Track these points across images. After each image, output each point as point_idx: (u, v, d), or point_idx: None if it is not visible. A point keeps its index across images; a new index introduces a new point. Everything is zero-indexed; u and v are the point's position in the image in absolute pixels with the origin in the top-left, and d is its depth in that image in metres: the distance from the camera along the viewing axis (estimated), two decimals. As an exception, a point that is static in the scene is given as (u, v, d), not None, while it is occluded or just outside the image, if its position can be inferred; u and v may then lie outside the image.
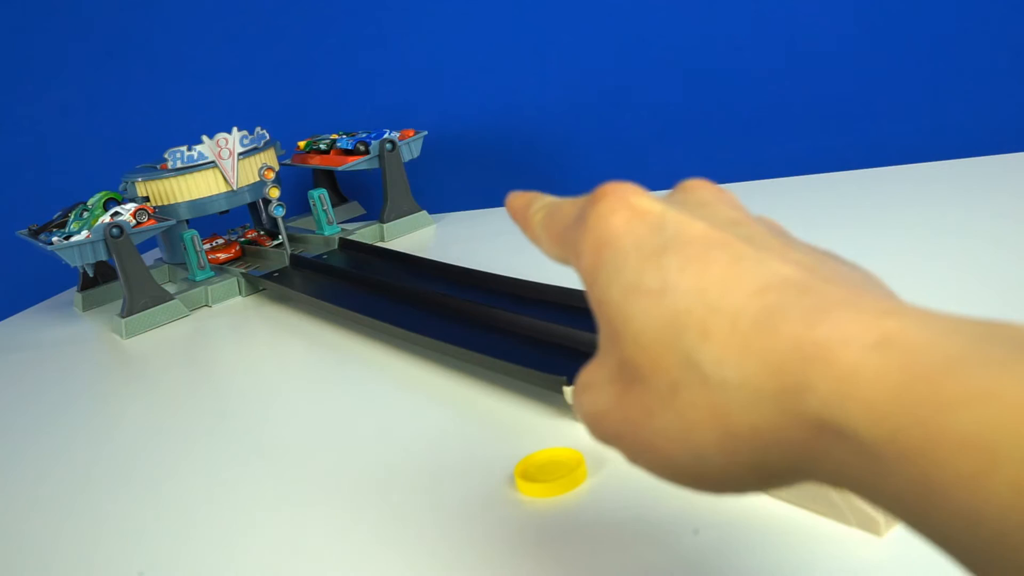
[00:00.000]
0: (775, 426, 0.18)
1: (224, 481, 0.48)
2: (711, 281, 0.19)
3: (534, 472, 0.40)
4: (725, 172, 0.92)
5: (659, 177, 0.98)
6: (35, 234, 0.84)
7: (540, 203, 0.26)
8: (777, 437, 0.18)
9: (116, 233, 0.77)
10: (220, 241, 0.93)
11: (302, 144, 1.01)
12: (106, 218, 0.78)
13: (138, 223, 0.79)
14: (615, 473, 0.40)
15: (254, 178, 0.88)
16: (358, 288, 0.72)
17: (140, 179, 0.86)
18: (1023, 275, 0.51)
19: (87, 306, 0.92)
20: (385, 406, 0.53)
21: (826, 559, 0.31)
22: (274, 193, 0.83)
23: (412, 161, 0.94)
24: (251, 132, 0.88)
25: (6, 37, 1.20)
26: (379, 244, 0.87)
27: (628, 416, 0.21)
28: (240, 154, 0.86)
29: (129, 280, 0.78)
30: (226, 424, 0.56)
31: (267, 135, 0.91)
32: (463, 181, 1.08)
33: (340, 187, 1.05)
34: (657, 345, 0.19)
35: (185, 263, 0.87)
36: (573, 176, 1.02)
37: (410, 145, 0.94)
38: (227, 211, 0.88)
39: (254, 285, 0.84)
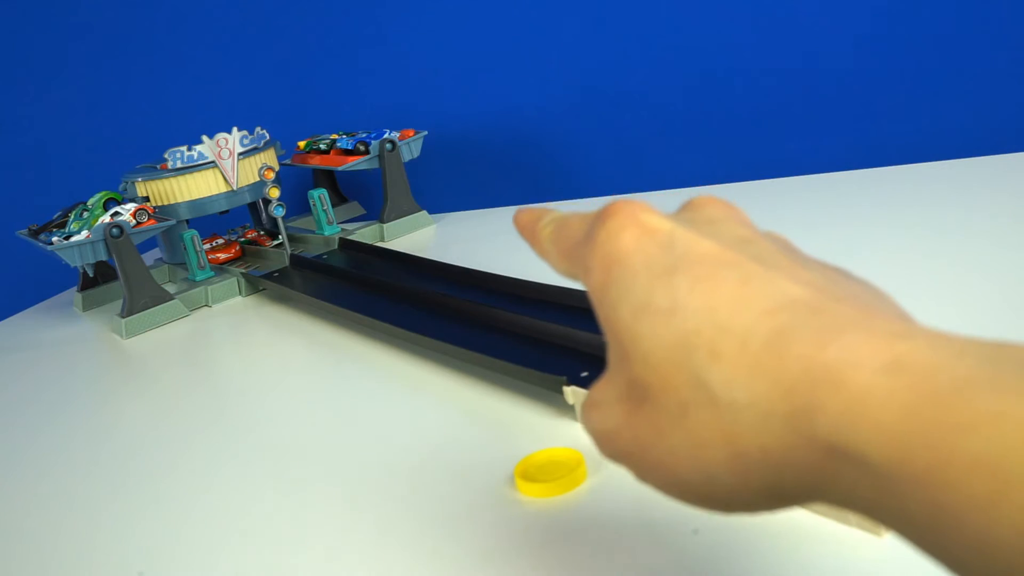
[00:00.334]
0: (785, 447, 0.17)
1: (224, 481, 0.48)
2: (721, 301, 0.19)
3: (534, 472, 0.40)
4: (725, 172, 0.92)
5: (659, 177, 0.98)
6: (35, 234, 0.84)
7: (548, 218, 0.26)
8: (787, 458, 0.18)
9: (116, 233, 0.77)
10: (220, 241, 0.93)
11: (302, 144, 1.01)
12: (106, 218, 0.78)
13: (138, 223, 0.79)
14: (615, 473, 0.40)
15: (254, 178, 0.88)
16: (358, 288, 0.72)
17: (140, 179, 0.86)
18: (1023, 275, 0.51)
19: (87, 306, 0.92)
20: (385, 406, 0.53)
21: (826, 559, 0.31)
22: (274, 193, 0.83)
23: (412, 161, 0.94)
24: (251, 132, 0.88)
25: (6, 37, 1.20)
26: (379, 244, 0.87)
27: (638, 435, 0.21)
28: (240, 154, 0.86)
29: (129, 280, 0.78)
30: (226, 424, 0.56)
31: (267, 135, 0.91)
32: (463, 181, 1.08)
33: (340, 187, 1.05)
34: (667, 365, 0.19)
35: (185, 263, 0.87)
36: (573, 176, 1.01)
37: (410, 145, 0.94)
38: (227, 211, 0.88)
39: (254, 285, 0.84)
